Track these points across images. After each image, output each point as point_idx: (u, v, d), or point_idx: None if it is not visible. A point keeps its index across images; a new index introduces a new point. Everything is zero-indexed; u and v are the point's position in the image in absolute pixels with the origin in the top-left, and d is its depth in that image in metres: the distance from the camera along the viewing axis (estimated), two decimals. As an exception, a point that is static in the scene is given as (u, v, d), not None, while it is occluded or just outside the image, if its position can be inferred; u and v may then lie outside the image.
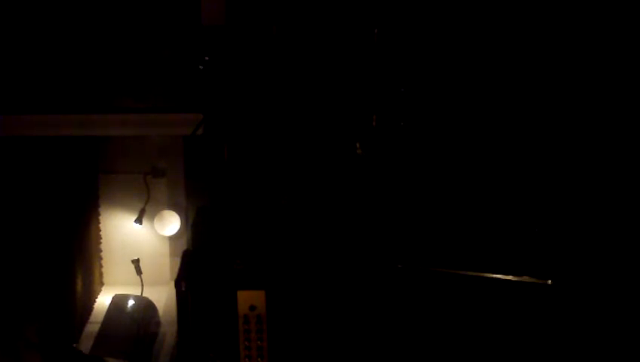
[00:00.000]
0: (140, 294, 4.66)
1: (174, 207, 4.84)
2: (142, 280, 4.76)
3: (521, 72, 3.72)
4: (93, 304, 4.75)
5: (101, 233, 4.92)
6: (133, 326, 4.32)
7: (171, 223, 4.80)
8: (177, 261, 3.65)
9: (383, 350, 3.58)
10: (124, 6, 3.77)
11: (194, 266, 3.51)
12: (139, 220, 4.79)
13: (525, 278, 3.51)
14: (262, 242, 3.53)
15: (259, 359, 3.45)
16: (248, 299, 3.43)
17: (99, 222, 4.90)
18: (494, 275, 3.53)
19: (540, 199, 3.70)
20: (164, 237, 4.88)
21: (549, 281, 3.49)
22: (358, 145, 3.79)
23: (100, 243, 4.93)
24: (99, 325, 4.37)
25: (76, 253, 4.49)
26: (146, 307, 4.52)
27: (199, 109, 3.77)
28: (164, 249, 4.95)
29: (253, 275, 3.44)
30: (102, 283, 4.95)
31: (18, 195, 3.75)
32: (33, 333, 3.80)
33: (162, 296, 4.73)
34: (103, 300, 4.74)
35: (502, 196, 3.71)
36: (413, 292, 3.60)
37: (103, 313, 4.48)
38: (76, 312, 4.42)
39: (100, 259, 4.93)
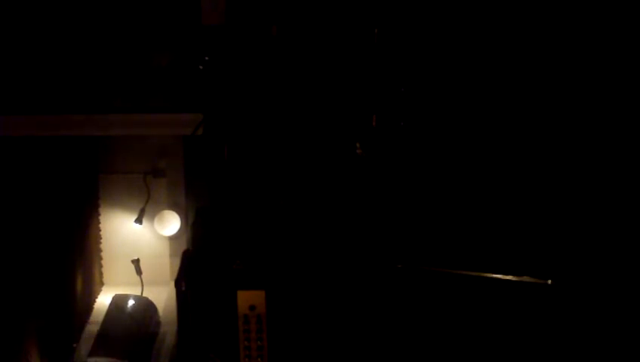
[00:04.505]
0: (140, 294, 4.66)
1: (174, 207, 4.84)
2: (142, 280, 4.76)
3: (521, 71, 3.72)
4: (93, 304, 4.75)
5: (101, 233, 4.92)
6: (133, 326, 4.32)
7: (171, 223, 4.80)
8: (177, 261, 3.66)
9: (383, 350, 3.58)
10: (124, 5, 3.77)
11: (194, 266, 3.51)
12: (139, 220, 4.79)
13: (525, 278, 3.51)
14: (262, 242, 3.53)
15: (259, 359, 3.45)
16: (248, 299, 3.43)
17: (99, 222, 4.90)
18: (494, 275, 3.53)
19: (540, 199, 3.70)
20: (164, 237, 4.88)
21: (549, 281, 3.49)
22: (358, 145, 3.79)
23: (100, 243, 4.92)
24: (99, 325, 4.37)
25: (76, 253, 4.49)
26: (146, 307, 4.52)
27: (199, 109, 3.77)
28: (164, 249, 4.95)
29: (253, 275, 3.44)
30: (102, 283, 4.95)
31: (18, 195, 3.75)
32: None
33: (162, 296, 4.73)
34: (103, 300, 4.74)
35: (502, 196, 3.71)
36: (413, 292, 3.60)
37: (103, 313, 4.47)
38: (76, 312, 4.41)
39: (100, 259, 4.93)
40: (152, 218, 4.81)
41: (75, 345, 4.30)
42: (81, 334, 4.44)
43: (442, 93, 3.78)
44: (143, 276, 4.77)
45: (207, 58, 3.73)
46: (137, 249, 4.86)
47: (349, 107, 3.80)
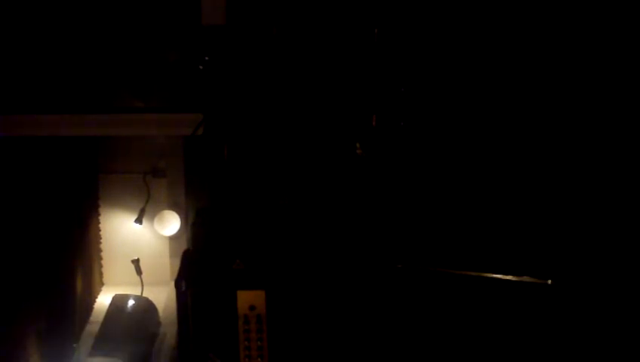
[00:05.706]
0: (140, 294, 4.66)
1: (174, 207, 4.84)
2: (142, 280, 4.76)
3: (521, 71, 3.72)
4: (93, 304, 4.75)
5: (101, 233, 4.92)
6: (133, 326, 4.32)
7: (171, 223, 4.80)
8: (177, 261, 3.65)
9: (383, 350, 3.58)
10: (124, 5, 3.77)
11: (194, 266, 3.51)
12: (139, 220, 4.79)
13: (525, 278, 3.51)
14: (262, 242, 3.53)
15: (259, 359, 3.45)
16: (248, 299, 3.43)
17: (99, 222, 4.90)
18: (494, 275, 3.53)
19: (540, 199, 3.70)
20: (164, 237, 4.88)
21: (549, 281, 3.49)
22: (358, 145, 3.79)
23: (100, 243, 4.93)
24: (99, 325, 4.37)
25: (76, 253, 4.49)
26: (146, 307, 4.52)
27: (199, 109, 3.77)
28: (164, 249, 4.95)
29: (253, 275, 3.44)
30: (102, 283, 4.95)
31: (18, 195, 3.75)
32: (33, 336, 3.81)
33: (162, 296, 4.73)
34: (103, 300, 4.74)
35: (501, 196, 3.71)
36: (413, 292, 3.61)
37: (103, 313, 4.47)
38: (76, 312, 4.41)
39: (100, 259, 4.93)
40: (152, 218, 4.81)
41: (75, 345, 4.29)
42: (81, 334, 4.44)
43: (442, 93, 3.78)
44: (143, 276, 4.77)
45: (207, 58, 3.73)
46: (137, 249, 4.86)
47: (349, 107, 3.80)
